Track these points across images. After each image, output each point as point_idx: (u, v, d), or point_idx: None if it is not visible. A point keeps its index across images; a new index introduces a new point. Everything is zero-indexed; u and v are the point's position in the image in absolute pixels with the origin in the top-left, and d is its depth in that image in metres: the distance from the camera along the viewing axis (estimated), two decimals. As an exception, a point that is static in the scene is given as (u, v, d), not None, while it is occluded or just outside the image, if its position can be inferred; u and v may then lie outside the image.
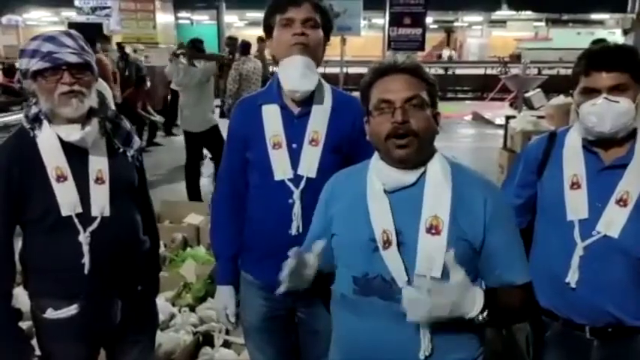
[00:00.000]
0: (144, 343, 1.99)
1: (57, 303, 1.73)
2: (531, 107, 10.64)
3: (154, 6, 11.16)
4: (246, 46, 6.96)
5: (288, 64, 1.72)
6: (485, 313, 1.30)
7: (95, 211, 1.70)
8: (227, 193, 1.89)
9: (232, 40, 8.43)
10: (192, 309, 3.16)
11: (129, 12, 11.08)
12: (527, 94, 11.67)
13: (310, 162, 1.74)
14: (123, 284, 1.83)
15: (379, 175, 1.41)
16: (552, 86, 10.59)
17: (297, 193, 1.73)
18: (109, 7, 10.83)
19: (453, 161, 1.46)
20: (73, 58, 1.61)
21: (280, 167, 1.74)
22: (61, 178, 1.66)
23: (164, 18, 11.69)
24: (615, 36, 16.02)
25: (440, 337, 1.33)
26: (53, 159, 1.67)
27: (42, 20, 23.82)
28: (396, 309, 1.31)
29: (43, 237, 1.71)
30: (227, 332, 2.88)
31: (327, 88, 1.82)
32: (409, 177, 1.38)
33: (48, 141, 1.67)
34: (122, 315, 1.84)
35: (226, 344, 2.85)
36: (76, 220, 1.67)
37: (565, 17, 23.00)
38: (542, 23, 23.91)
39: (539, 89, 11.41)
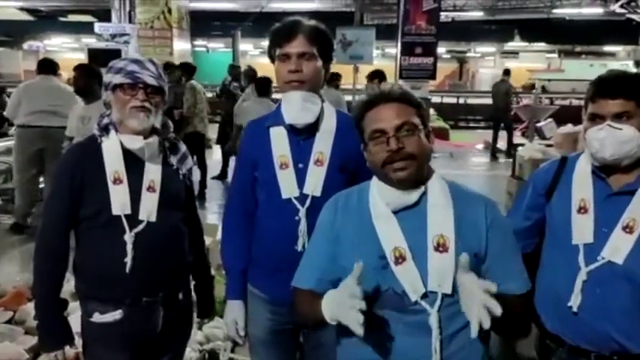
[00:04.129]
0: (174, 353, 2.07)
1: (103, 307, 1.84)
2: (543, 137, 10.61)
3: (171, 33, 11.43)
4: (254, 74, 7.07)
5: (287, 100, 1.82)
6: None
7: (142, 215, 1.83)
8: (237, 211, 1.95)
9: (236, 68, 8.60)
10: (198, 327, 3.19)
11: (147, 39, 11.35)
12: (538, 124, 11.70)
13: (315, 181, 1.80)
14: (165, 293, 1.92)
15: (382, 195, 1.44)
16: (564, 117, 10.58)
17: (302, 211, 1.78)
18: (127, 35, 11.09)
19: (448, 180, 1.51)
20: (150, 80, 1.81)
21: (287, 186, 1.80)
22: (117, 181, 1.82)
23: (181, 45, 11.94)
24: (628, 67, 16.08)
25: (449, 349, 1.37)
26: (113, 163, 1.83)
27: (62, 47, 24.40)
28: (410, 320, 1.36)
29: (93, 235, 1.85)
30: (232, 350, 2.91)
31: (330, 110, 1.88)
32: (411, 197, 1.42)
33: (111, 147, 1.85)
34: (163, 324, 1.93)
35: (232, 362, 2.87)
36: (124, 220, 1.80)
37: (578, 49, 23.11)
38: (555, 55, 24.04)
39: (551, 119, 11.42)
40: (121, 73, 1.80)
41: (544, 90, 20.63)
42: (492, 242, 1.42)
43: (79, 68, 4.58)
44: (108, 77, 1.83)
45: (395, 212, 1.43)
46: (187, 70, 7.54)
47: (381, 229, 1.42)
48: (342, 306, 1.27)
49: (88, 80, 4.28)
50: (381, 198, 1.45)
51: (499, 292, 1.30)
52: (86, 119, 4.07)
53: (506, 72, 11.62)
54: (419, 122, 1.43)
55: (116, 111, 1.84)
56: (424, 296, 1.37)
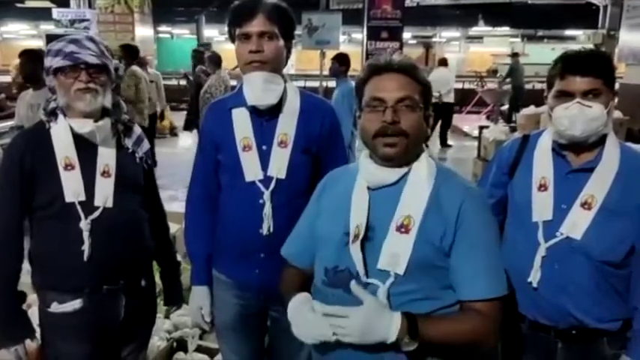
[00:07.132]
0: (139, 342, 2.03)
1: (61, 297, 1.79)
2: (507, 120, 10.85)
3: (133, 19, 11.17)
4: (218, 60, 6.94)
5: (249, 81, 1.77)
6: (406, 339, 1.24)
7: (98, 201, 1.77)
8: (200, 195, 1.92)
9: (199, 52, 8.38)
10: (166, 316, 3.15)
11: (107, 24, 11.07)
12: (503, 107, 11.91)
13: (280, 163, 1.77)
14: (126, 280, 1.87)
15: (364, 172, 1.42)
16: (528, 100, 10.79)
17: (267, 194, 1.76)
18: (87, 20, 10.80)
19: (440, 165, 1.45)
20: (91, 59, 1.72)
21: (250, 169, 1.78)
22: (68, 167, 1.75)
23: (143, 31, 11.68)
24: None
25: None
26: (63, 149, 1.76)
27: (20, 34, 23.62)
28: (358, 303, 1.31)
29: (48, 224, 1.79)
30: (200, 337, 2.88)
31: (294, 91, 1.85)
32: (391, 176, 1.38)
33: (61, 132, 1.78)
34: (125, 312, 1.88)
35: (200, 349, 2.85)
36: (78, 207, 1.74)
37: (540, 33, 23.51)
38: (518, 39, 24.38)
39: (514, 102, 11.64)
40: (60, 56, 1.71)
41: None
42: (459, 243, 1.34)
43: (23, 54, 4.34)
44: (48, 61, 1.75)
45: (374, 189, 1.40)
46: (129, 52, 6.68)
47: (354, 206, 1.40)
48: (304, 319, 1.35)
49: (32, 65, 4.06)
50: (362, 174, 1.42)
51: (460, 300, 1.34)
52: (35, 107, 3.87)
53: (516, 54, 12.64)
54: (420, 100, 1.37)
55: (61, 95, 1.76)
56: (374, 276, 1.33)
